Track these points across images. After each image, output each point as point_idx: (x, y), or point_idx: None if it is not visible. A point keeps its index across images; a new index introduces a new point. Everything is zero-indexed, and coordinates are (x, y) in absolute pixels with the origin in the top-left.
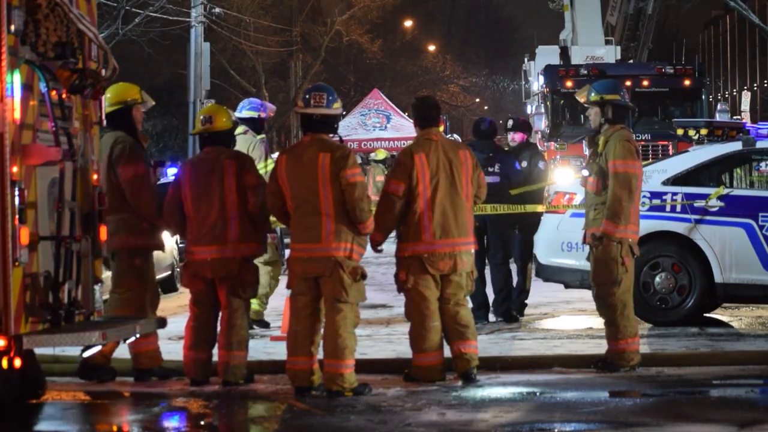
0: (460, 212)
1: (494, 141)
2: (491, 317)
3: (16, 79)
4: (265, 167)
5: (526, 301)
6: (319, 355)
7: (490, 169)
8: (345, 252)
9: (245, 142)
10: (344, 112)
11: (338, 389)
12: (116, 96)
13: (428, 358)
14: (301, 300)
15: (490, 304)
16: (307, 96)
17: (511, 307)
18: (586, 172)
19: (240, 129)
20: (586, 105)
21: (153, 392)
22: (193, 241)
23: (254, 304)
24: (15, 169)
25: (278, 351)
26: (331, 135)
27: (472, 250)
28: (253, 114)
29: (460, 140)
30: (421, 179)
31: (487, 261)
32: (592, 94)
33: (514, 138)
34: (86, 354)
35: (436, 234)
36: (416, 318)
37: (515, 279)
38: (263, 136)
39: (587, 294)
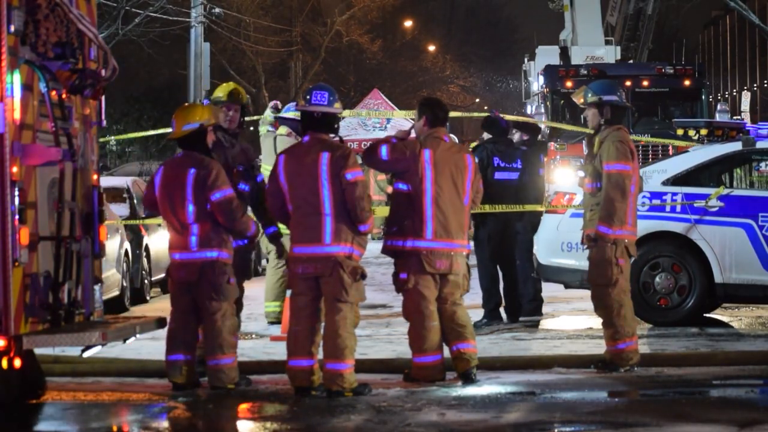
0: (460, 214)
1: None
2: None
3: (16, 79)
4: None
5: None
6: (319, 355)
7: (514, 165)
8: (345, 252)
9: (287, 144)
10: (343, 115)
11: (338, 389)
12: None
13: (428, 358)
14: (301, 300)
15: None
16: (308, 95)
17: (521, 303)
18: (581, 173)
19: (282, 130)
20: (583, 106)
21: (153, 392)
22: (169, 244)
23: (275, 306)
24: (15, 169)
25: (278, 351)
26: (331, 135)
27: (464, 253)
28: (297, 115)
29: (458, 141)
30: (425, 175)
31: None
32: (590, 95)
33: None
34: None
35: (438, 233)
36: (415, 318)
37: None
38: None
39: (587, 294)
